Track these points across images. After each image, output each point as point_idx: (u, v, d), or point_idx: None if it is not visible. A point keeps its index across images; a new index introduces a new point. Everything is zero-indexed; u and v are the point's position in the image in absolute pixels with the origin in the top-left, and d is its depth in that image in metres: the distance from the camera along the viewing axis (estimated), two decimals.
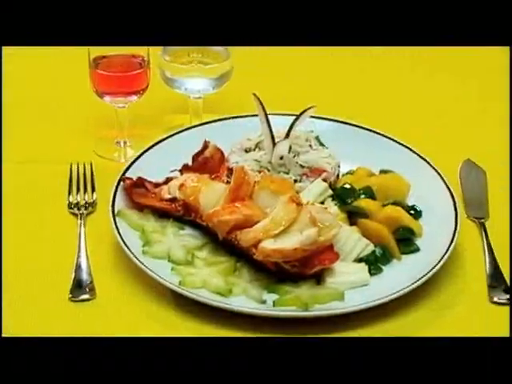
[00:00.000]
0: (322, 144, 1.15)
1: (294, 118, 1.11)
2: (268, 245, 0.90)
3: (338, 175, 1.12)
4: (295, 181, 1.07)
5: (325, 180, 1.07)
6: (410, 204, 1.08)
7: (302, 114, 1.10)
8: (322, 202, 1.03)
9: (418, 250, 1.01)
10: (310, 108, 1.11)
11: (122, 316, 0.92)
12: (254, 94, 1.09)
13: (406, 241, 1.01)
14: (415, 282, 0.92)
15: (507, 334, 0.89)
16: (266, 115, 1.09)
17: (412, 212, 1.06)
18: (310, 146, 1.12)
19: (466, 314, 0.94)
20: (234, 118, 1.23)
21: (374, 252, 0.98)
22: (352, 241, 0.97)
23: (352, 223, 1.02)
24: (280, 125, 1.11)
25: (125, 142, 1.25)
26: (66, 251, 1.00)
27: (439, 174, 1.11)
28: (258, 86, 1.18)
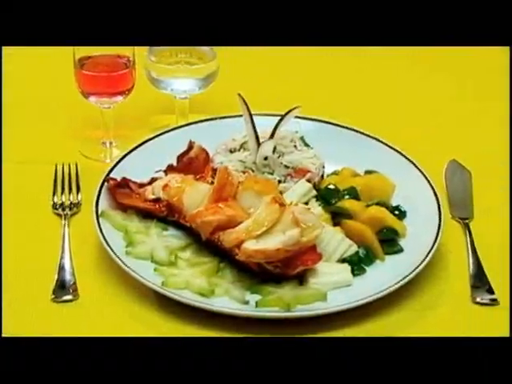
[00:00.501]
0: (306, 144, 1.15)
1: (279, 118, 1.11)
2: (250, 245, 0.90)
3: (322, 176, 1.12)
4: (279, 181, 1.07)
5: (309, 180, 1.07)
6: (394, 204, 1.08)
7: (286, 114, 1.10)
8: (306, 203, 1.03)
9: (401, 250, 1.01)
10: (294, 108, 1.11)
11: (105, 316, 0.92)
12: (239, 95, 1.09)
13: (390, 241, 1.01)
14: (398, 283, 0.92)
15: (491, 334, 0.90)
16: (251, 115, 1.09)
17: (396, 212, 1.06)
18: (295, 146, 1.12)
19: (449, 315, 0.94)
20: (220, 118, 1.22)
21: (357, 253, 0.98)
22: (335, 241, 0.97)
23: (336, 224, 1.02)
24: (266, 125, 1.11)
25: (111, 143, 1.25)
26: (50, 252, 1.00)
27: (424, 174, 1.11)
28: (244, 86, 1.18)
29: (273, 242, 0.90)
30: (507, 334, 0.88)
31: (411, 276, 0.93)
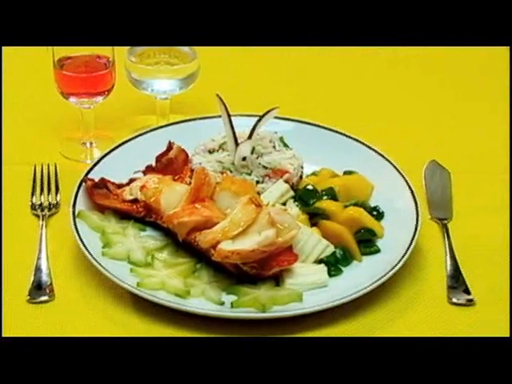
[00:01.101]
0: (285, 145, 1.15)
1: (257, 118, 1.11)
2: (226, 246, 0.90)
3: (301, 176, 1.11)
4: (257, 182, 1.07)
5: (287, 181, 1.07)
6: (372, 205, 1.08)
7: (265, 114, 1.10)
8: (284, 203, 1.03)
9: (378, 251, 1.01)
10: (273, 109, 1.11)
11: (81, 317, 0.91)
12: (217, 95, 1.09)
13: (367, 242, 1.02)
14: (374, 283, 0.92)
15: (467, 335, 0.90)
16: (229, 116, 1.09)
17: (374, 213, 1.06)
18: (274, 147, 1.12)
19: (426, 315, 0.94)
20: (200, 119, 1.22)
21: (334, 253, 0.98)
22: (312, 242, 0.97)
23: (313, 224, 1.02)
24: (245, 126, 1.11)
25: (91, 143, 1.24)
26: (27, 253, 1.00)
27: (402, 174, 1.11)
28: (225, 87, 1.18)
29: (249, 243, 0.90)
30: (485, 334, 0.89)
31: (387, 276, 0.93)
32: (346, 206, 1.04)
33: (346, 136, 1.19)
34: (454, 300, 0.95)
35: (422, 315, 0.94)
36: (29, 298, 0.92)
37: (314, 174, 1.13)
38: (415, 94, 1.45)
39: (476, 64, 1.51)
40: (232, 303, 0.90)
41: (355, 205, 1.04)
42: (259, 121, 1.10)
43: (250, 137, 1.09)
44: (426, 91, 1.46)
